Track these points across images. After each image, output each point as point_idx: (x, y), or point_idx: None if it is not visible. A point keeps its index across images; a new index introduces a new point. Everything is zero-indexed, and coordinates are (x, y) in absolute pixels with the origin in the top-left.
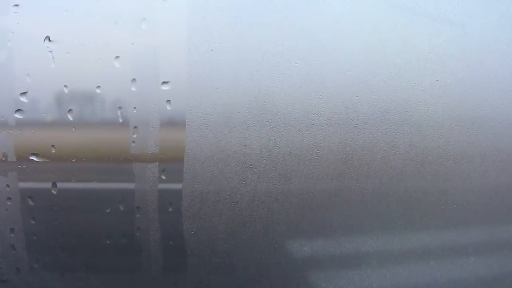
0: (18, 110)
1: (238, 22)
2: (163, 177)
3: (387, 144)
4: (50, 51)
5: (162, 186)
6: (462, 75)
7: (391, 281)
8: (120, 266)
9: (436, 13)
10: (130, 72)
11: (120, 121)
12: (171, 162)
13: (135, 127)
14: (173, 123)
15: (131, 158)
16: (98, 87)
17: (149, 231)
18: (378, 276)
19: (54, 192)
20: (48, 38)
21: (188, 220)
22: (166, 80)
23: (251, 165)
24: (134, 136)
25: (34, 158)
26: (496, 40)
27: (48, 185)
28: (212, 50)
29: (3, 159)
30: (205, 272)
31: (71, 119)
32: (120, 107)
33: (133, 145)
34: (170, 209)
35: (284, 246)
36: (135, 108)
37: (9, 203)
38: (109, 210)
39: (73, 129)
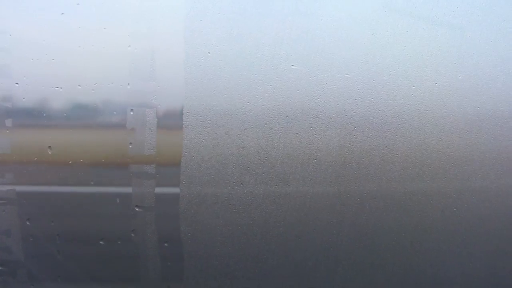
0: None
1: (235, 25)
2: (160, 179)
3: (386, 147)
4: None
5: (159, 187)
6: (461, 78)
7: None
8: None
9: (435, 17)
10: (127, 74)
11: (117, 122)
12: (168, 164)
13: (132, 128)
14: (170, 125)
15: (128, 160)
16: (94, 88)
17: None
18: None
19: None
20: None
21: (185, 222)
22: (164, 83)
23: (248, 167)
24: (131, 137)
25: None
26: (495, 43)
27: None
28: (209, 53)
29: None
30: (202, 274)
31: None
32: (116, 109)
33: (130, 147)
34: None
35: (282, 248)
36: (132, 110)
37: None
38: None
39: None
